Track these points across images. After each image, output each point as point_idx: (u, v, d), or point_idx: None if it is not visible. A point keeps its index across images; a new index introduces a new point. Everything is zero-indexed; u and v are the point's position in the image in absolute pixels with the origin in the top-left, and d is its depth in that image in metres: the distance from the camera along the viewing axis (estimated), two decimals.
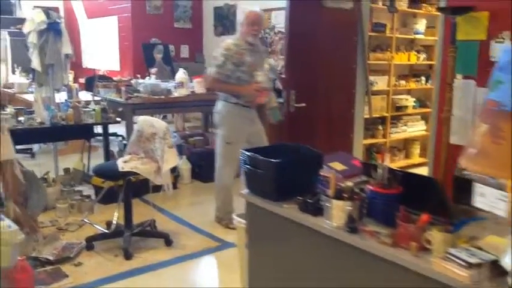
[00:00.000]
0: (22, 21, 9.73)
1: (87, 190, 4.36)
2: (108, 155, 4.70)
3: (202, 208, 4.17)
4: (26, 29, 4.43)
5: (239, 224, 2.58)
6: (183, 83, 4.71)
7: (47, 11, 4.47)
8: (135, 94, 4.50)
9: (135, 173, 3.18)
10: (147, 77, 6.69)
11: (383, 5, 5.07)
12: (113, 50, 9.05)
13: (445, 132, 3.49)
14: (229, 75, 3.57)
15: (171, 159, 3.20)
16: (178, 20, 9.01)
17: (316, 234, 1.91)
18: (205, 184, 4.75)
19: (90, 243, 3.26)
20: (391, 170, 1.89)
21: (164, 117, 6.27)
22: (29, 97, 5.52)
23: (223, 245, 3.38)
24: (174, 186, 4.43)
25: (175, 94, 4.69)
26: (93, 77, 5.87)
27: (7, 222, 2.62)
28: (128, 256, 3.11)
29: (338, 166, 2.37)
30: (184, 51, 8.99)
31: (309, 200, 1.98)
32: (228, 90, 3.61)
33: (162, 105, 4.64)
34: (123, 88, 4.43)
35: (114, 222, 3.29)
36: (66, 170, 4.47)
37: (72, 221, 3.73)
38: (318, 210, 1.93)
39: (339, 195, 1.83)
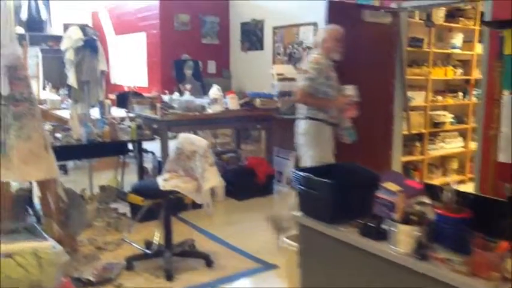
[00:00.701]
0: (53, 38, 9.95)
1: (122, 207, 4.33)
2: (142, 172, 4.67)
3: (239, 227, 4.10)
4: (63, 46, 4.47)
5: (289, 246, 2.50)
6: (217, 99, 4.68)
7: (83, 28, 4.50)
8: (170, 111, 4.47)
9: (176, 192, 3.13)
10: (176, 93, 6.70)
11: (420, 19, 4.98)
12: (141, 66, 9.13)
13: (492, 150, 3.36)
14: (317, 89, 3.57)
15: (212, 177, 3.14)
16: (205, 36, 9.05)
17: (379, 259, 1.81)
18: (240, 202, 4.69)
19: (130, 263, 3.20)
20: (458, 192, 1.80)
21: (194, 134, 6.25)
22: (62, 113, 5.56)
23: (265, 267, 3.29)
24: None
25: (210, 111, 4.66)
26: (126, 93, 5.89)
27: (51, 242, 2.59)
28: (169, 277, 3.05)
29: (392, 187, 2.27)
30: (211, 67, 9.00)
31: (370, 224, 1.89)
32: (320, 104, 3.62)
33: (196, 122, 4.61)
34: (158, 105, 4.42)
35: (156, 242, 3.23)
36: (102, 187, 4.45)
37: (110, 239, 3.69)
38: (380, 235, 1.84)
39: (406, 220, 1.74)
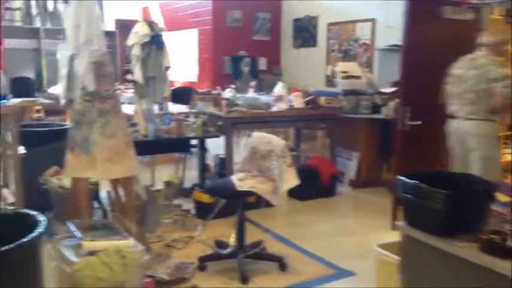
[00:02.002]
0: (106, 33, 10.04)
1: (186, 204, 4.28)
2: (204, 169, 4.62)
3: (307, 230, 3.98)
4: (130, 41, 4.45)
5: (382, 256, 2.36)
6: (281, 97, 4.57)
7: (150, 23, 4.47)
8: (235, 108, 4.39)
9: (252, 193, 3.03)
10: (227, 90, 6.63)
11: (499, 15, 4.70)
12: (192, 62, 9.12)
13: None
14: None
15: (291, 179, 3.03)
16: (257, 32, 8.96)
17: (503, 279, 1.65)
18: (303, 203, 4.57)
19: (202, 264, 3.13)
20: None
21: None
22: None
23: (340, 273, 3.15)
24: (271, 204, 4.27)
25: (274, 108, 4.55)
26: (182, 89, 5.87)
27: (132, 241, 2.54)
28: (244, 280, 2.96)
29: (502, 197, 2.11)
30: (262, 63, 8.90)
31: (495, 240, 1.73)
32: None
33: (261, 120, 4.51)
34: (223, 102, 4.34)
35: (231, 242, 3.14)
36: (167, 184, 4.42)
37: (178, 237, 3.64)
38: (508, 253, 1.67)
39: None
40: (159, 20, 10.30)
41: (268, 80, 7.95)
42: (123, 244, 2.46)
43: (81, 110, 2.54)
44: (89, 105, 2.53)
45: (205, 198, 4.01)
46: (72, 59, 2.65)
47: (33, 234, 1.71)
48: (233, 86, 6.26)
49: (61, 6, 2.91)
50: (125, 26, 11.19)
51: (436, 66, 3.81)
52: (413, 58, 3.75)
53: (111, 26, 10.43)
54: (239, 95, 4.61)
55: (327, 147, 5.75)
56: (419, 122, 3.73)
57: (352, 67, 5.62)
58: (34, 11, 9.63)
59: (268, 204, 4.06)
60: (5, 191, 2.46)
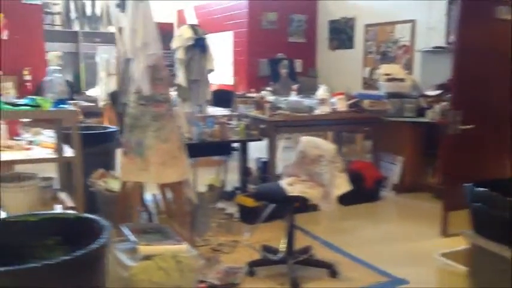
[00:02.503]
0: None
1: (229, 208, 4.26)
2: (246, 172, 4.60)
3: (353, 235, 3.91)
4: (174, 44, 4.47)
5: (446, 265, 2.28)
6: (325, 100, 4.50)
7: (194, 27, 4.48)
8: (278, 111, 4.35)
9: (302, 198, 2.98)
10: (262, 92, 6.57)
11: None
12: (227, 64, 9.14)
13: None
14: None
15: (343, 184, 2.97)
16: (292, 34, 8.91)
17: None
18: (346, 208, 4.48)
19: (251, 269, 3.10)
20: None
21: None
22: None
23: (393, 281, 3.07)
24: (315, 209, 4.21)
25: (317, 112, 4.49)
26: (222, 92, 5.87)
27: (187, 246, 2.53)
28: (295, 286, 2.91)
29: None
30: (298, 65, 8.84)
31: None
32: None
33: (304, 123, 4.46)
34: (267, 105, 4.31)
35: (281, 248, 3.10)
36: (210, 187, 4.41)
37: (224, 241, 3.62)
38: None
39: None
40: (193, 22, 10.38)
41: (304, 82, 7.89)
42: (178, 249, 2.45)
43: (135, 114, 2.55)
44: (143, 109, 2.53)
45: (250, 202, 3.99)
46: (126, 62, 2.66)
47: (101, 240, 1.71)
48: (269, 89, 6.23)
49: (113, 10, 2.92)
50: (160, 29, 11.34)
51: (489, 68, 3.69)
52: (465, 60, 3.63)
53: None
54: (282, 98, 4.57)
55: (366, 150, 5.65)
56: (471, 126, 3.61)
57: (395, 69, 5.50)
58: (73, 15, 9.85)
59: (313, 209, 4.03)
60: (62, 195, 2.48)
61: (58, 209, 2.37)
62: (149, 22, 2.38)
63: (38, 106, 1.89)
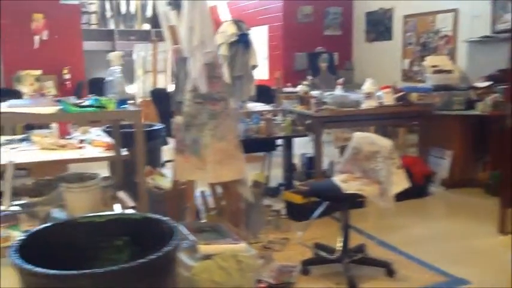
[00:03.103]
0: None
1: (275, 205, 4.22)
2: (291, 168, 4.54)
3: (405, 232, 3.82)
4: (217, 41, 4.43)
5: None
6: (371, 94, 4.40)
7: (237, 22, 4.43)
8: (324, 106, 4.27)
9: (358, 195, 2.91)
10: (299, 86, 6.47)
11: None
12: (262, 59, 9.08)
13: None
14: None
15: (401, 181, 2.89)
16: (328, 27, 8.78)
17: None
18: (396, 204, 4.29)
19: (305, 268, 3.05)
20: None
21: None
22: None
23: (453, 281, 2.97)
24: (361, 205, 4.12)
25: (363, 106, 4.39)
26: (265, 87, 5.82)
27: (246, 246, 2.50)
28: (352, 286, 2.85)
29: None
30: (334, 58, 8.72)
31: None
32: None
33: (351, 118, 4.36)
34: (313, 100, 4.24)
35: (338, 247, 3.03)
36: (255, 183, 4.37)
37: (274, 239, 3.58)
38: None
39: None
40: (227, 18, 10.39)
41: (340, 76, 7.76)
42: (238, 248, 2.42)
43: (191, 113, 2.52)
44: (200, 108, 2.50)
45: (298, 199, 3.94)
46: (181, 61, 2.64)
47: (174, 242, 1.68)
48: (306, 83, 6.14)
49: (163, 9, 2.91)
50: None
51: None
52: None
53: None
54: (327, 93, 4.48)
55: (409, 144, 5.51)
56: None
57: (442, 61, 5.34)
58: (108, 13, 9.97)
59: (359, 205, 3.95)
60: (121, 194, 2.48)
61: (118, 208, 2.37)
62: (206, 20, 2.35)
63: (102, 107, 1.88)
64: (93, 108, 1.87)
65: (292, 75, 8.10)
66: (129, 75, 9.59)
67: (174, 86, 2.79)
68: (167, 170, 4.21)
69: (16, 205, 2.25)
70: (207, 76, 2.41)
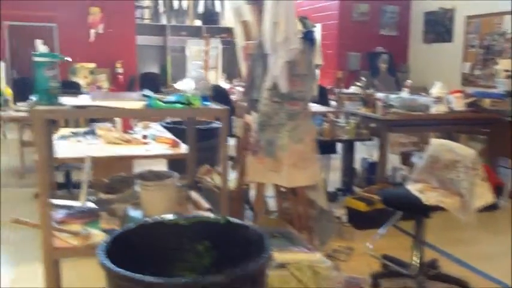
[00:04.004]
0: (225, 30, 10.22)
1: (335, 211, 4.06)
2: (352, 173, 4.38)
3: (476, 248, 3.59)
4: None
5: None
6: (441, 98, 4.17)
7: (302, 19, 4.29)
8: (391, 110, 4.08)
9: (438, 207, 2.73)
10: (352, 87, 6.27)
11: None
12: None
13: None
14: None
15: (485, 194, 2.68)
16: (384, 26, 8.52)
17: None
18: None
19: (376, 281, 2.89)
20: None
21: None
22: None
23: None
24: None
25: (432, 111, 4.17)
26: (321, 88, 5.66)
27: (321, 256, 2.38)
28: None
29: None
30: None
31: None
32: None
33: (419, 123, 4.15)
34: (379, 103, 4.05)
35: (414, 262, 2.86)
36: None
37: (338, 247, 3.43)
38: None
39: None
40: None
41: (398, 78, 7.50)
42: (314, 258, 2.30)
43: (268, 112, 2.42)
44: (277, 107, 2.39)
45: (361, 206, 3.78)
46: (257, 57, 2.54)
47: (266, 253, 1.57)
48: (359, 84, 5.95)
49: (234, 3, 2.81)
50: None
51: None
52: None
53: (232, 23, 10.55)
54: (393, 96, 4.29)
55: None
56: None
57: None
58: (161, 8, 10.02)
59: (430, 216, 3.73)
60: (194, 195, 2.40)
61: (192, 209, 2.29)
62: (291, 16, 2.23)
63: (189, 103, 1.79)
64: (181, 105, 1.78)
65: (346, 76, 7.90)
66: (178, 71, 9.64)
67: (247, 83, 2.69)
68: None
69: (91, 201, 2.20)
70: (288, 74, 2.30)
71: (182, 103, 1.81)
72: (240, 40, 3.23)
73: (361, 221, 3.75)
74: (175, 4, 10.12)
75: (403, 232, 3.77)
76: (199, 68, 2.58)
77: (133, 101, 1.90)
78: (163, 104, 1.76)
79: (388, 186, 3.99)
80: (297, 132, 2.36)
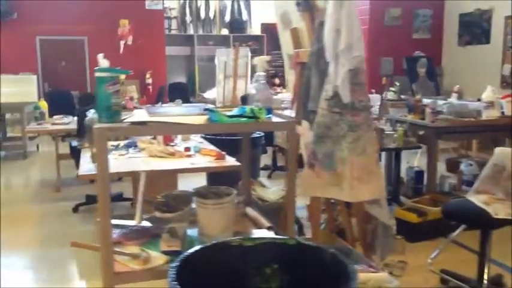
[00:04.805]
0: (252, 38, 10.14)
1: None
2: (398, 183, 4.20)
3: None
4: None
5: None
6: (493, 103, 3.97)
7: None
8: (440, 116, 3.90)
9: (508, 221, 2.54)
10: (385, 93, 6.06)
11: None
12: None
13: None
14: None
15: None
16: (417, 30, 8.32)
17: None
18: None
19: None
20: None
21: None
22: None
23: None
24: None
25: (484, 116, 3.97)
26: None
27: (387, 275, 2.22)
28: None
29: None
30: None
31: None
32: None
33: (469, 129, 3.95)
34: (428, 109, 3.88)
35: (481, 277, 2.68)
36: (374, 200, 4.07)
37: (389, 261, 3.25)
38: None
39: None
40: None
41: (427, 81, 7.27)
42: (381, 278, 2.14)
43: (326, 123, 2.28)
44: (337, 118, 2.26)
45: (412, 217, 3.60)
46: (313, 66, 2.41)
47: (353, 282, 1.43)
48: (393, 89, 5.74)
49: (281, 10, 2.70)
50: (270, 30, 11.23)
51: None
52: None
53: (257, 31, 10.50)
54: (441, 102, 4.10)
55: None
56: None
57: None
58: (188, 18, 10.01)
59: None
60: (251, 211, 2.28)
61: (251, 227, 2.16)
62: (354, 21, 2.11)
63: (255, 117, 1.68)
64: (246, 119, 1.67)
65: (378, 81, 7.71)
66: (206, 80, 9.59)
67: (298, 93, 2.56)
68: (266, 180, 4.01)
69: (146, 220, 2.10)
70: (349, 83, 2.18)
71: (247, 116, 1.69)
72: (286, 48, 3.11)
73: (412, 233, 3.57)
74: (202, 14, 10.10)
75: (459, 245, 3.58)
76: (263, 79, 2.46)
77: (193, 116, 1.79)
78: (228, 118, 1.65)
79: (441, 197, 3.81)
80: (360, 145, 2.22)
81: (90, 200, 4.51)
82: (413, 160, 4.95)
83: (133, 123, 1.68)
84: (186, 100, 8.13)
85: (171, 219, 2.04)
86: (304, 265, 1.71)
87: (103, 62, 1.90)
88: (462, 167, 4.43)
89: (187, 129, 1.66)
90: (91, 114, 1.99)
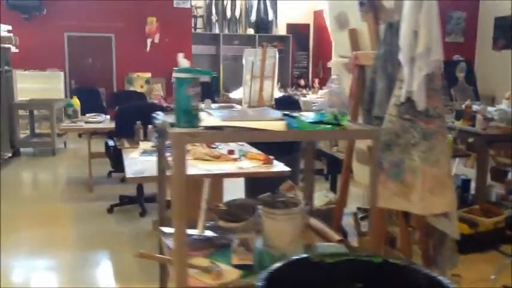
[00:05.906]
0: (278, 38, 10.01)
1: None
2: None
3: None
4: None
5: None
6: None
7: None
8: (491, 123, 3.74)
9: None
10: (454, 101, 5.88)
11: None
12: None
13: None
14: None
15: None
16: (450, 33, 8.13)
17: None
18: None
19: None
20: None
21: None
22: None
23: None
24: None
25: None
26: None
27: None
28: None
29: None
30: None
31: None
32: None
33: None
34: (479, 115, 3.72)
35: None
36: None
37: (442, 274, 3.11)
38: None
39: None
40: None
41: (460, 86, 7.08)
42: None
43: (395, 130, 2.16)
44: (408, 125, 2.13)
45: (464, 228, 3.43)
46: (379, 69, 2.29)
47: None
48: (505, 99, 5.53)
49: (338, 10, 2.57)
50: (296, 30, 11.10)
51: None
52: None
53: (283, 31, 10.38)
54: (492, 108, 3.94)
55: None
56: None
57: None
58: (214, 17, 9.92)
59: None
60: (316, 222, 2.16)
61: (318, 240, 2.04)
62: (434, 23, 1.98)
63: (338, 124, 1.56)
64: (331, 126, 1.55)
65: None
66: (231, 79, 9.50)
67: (365, 97, 2.44)
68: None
69: (208, 228, 1.99)
70: (425, 89, 2.05)
71: (330, 123, 1.57)
72: (340, 50, 2.98)
73: (464, 244, 3.40)
74: (228, 13, 10.00)
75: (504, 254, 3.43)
76: (337, 82, 2.33)
77: (269, 121, 1.67)
78: (310, 125, 1.53)
79: (492, 207, 3.66)
80: (433, 154, 2.09)
81: (124, 200, 4.43)
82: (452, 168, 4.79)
83: (207, 127, 1.57)
84: (211, 100, 8.03)
85: (236, 230, 1.93)
86: (392, 285, 1.59)
87: (183, 61, 1.80)
88: (510, 176, 4.26)
89: (268, 136, 1.54)
90: (160, 116, 1.89)
